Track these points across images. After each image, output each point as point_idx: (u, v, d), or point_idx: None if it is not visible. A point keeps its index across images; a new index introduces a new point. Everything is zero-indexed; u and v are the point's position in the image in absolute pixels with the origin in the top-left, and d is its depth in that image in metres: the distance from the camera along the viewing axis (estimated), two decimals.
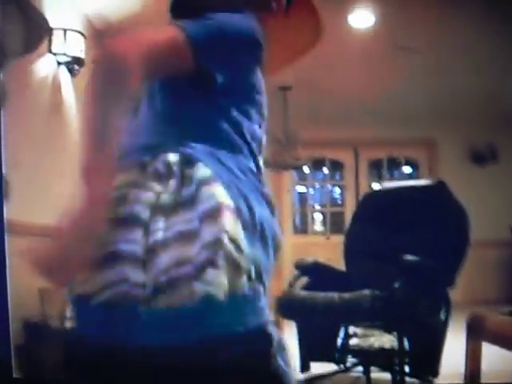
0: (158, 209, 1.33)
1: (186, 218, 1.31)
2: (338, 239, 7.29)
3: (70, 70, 4.64)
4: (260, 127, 1.52)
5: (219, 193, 1.32)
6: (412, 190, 4.13)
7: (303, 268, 3.70)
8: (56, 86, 4.53)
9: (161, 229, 1.30)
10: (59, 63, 4.54)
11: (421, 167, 8.58)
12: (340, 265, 4.15)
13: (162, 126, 1.48)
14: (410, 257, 3.53)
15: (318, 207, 8.94)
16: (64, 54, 4.49)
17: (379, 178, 8.59)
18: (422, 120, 7.72)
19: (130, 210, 1.34)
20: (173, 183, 1.35)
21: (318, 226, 8.72)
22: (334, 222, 8.50)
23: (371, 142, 8.21)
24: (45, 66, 4.38)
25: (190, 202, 1.32)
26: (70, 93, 4.71)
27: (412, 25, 5.26)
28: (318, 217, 8.76)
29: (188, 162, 1.37)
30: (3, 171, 3.43)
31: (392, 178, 8.75)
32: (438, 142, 8.35)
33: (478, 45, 5.52)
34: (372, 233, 3.95)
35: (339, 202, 8.95)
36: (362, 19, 5.34)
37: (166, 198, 1.34)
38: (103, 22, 5.17)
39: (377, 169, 8.69)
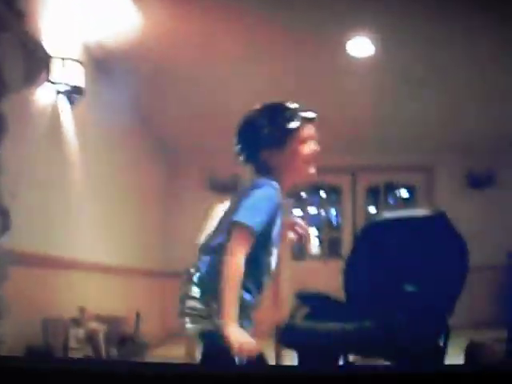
0: None
1: None
2: (335, 264, 7.31)
3: (70, 99, 4.66)
4: None
5: None
6: (412, 221, 4.16)
7: (304, 298, 3.72)
8: (55, 116, 4.56)
9: None
10: (58, 92, 4.54)
11: (418, 192, 8.61)
12: (337, 289, 4.17)
13: None
14: (410, 288, 3.57)
15: (315, 232, 8.95)
16: (63, 83, 4.49)
17: (376, 204, 8.62)
18: (420, 145, 7.77)
19: None
20: None
21: (315, 250, 8.73)
22: (331, 247, 8.51)
23: (369, 167, 8.25)
24: (44, 96, 4.39)
25: None
26: (70, 122, 4.74)
27: (412, 54, 5.31)
28: (315, 241, 8.77)
29: None
30: (3, 202, 3.47)
31: (389, 203, 8.78)
32: (435, 166, 8.39)
33: (478, 71, 5.57)
34: (372, 263, 3.98)
35: (336, 226, 8.95)
36: (361, 47, 5.34)
37: None
38: (102, 50, 5.20)
39: (374, 194, 8.72)
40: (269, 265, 2.22)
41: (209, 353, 2.23)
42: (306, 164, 2.25)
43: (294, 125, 2.21)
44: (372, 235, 4.02)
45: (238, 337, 1.97)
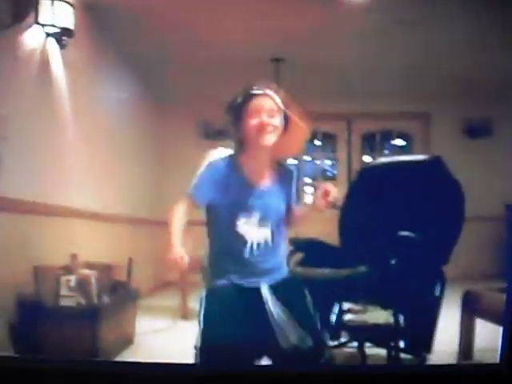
0: None
1: None
2: (330, 213, 7.24)
3: (59, 42, 4.51)
4: None
5: None
6: (408, 165, 4.09)
7: (298, 244, 3.67)
8: (44, 58, 4.42)
9: None
10: (47, 35, 4.40)
11: (414, 140, 8.54)
12: (332, 239, 4.13)
13: None
14: (404, 233, 3.52)
15: (309, 180, 8.88)
16: (52, 25, 4.34)
17: (372, 151, 8.56)
18: (416, 93, 7.66)
19: None
20: None
21: (309, 200, 8.66)
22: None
23: (365, 114, 8.16)
24: (32, 38, 4.25)
25: None
26: (59, 65, 4.61)
27: None
28: (309, 190, 8.71)
29: None
30: None
31: (385, 151, 8.71)
32: (431, 115, 8.30)
33: (475, 18, 5.46)
34: (367, 208, 3.92)
35: (331, 175, 8.89)
36: None
37: None
38: None
39: (370, 142, 8.65)
40: (237, 229, 2.57)
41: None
42: (257, 134, 2.51)
43: (240, 100, 2.54)
44: (367, 179, 3.96)
45: (175, 251, 2.59)
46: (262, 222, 2.57)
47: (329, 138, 8.61)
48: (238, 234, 2.55)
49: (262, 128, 2.50)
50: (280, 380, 2.45)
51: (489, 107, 7.79)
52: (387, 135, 8.66)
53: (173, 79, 7.12)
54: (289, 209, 2.69)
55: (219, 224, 2.61)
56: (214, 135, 7.52)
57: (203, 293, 2.67)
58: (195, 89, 7.31)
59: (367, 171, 4.22)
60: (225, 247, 2.60)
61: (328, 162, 8.90)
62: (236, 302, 2.52)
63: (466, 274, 6.49)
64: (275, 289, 2.57)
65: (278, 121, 2.55)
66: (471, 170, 6.89)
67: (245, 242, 2.55)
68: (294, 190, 2.72)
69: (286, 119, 2.58)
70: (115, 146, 6.29)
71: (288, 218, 2.70)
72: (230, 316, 2.48)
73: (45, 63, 4.42)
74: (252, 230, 2.55)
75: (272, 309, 2.52)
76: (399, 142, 8.74)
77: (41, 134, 4.30)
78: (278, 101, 2.55)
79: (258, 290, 2.54)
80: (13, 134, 3.72)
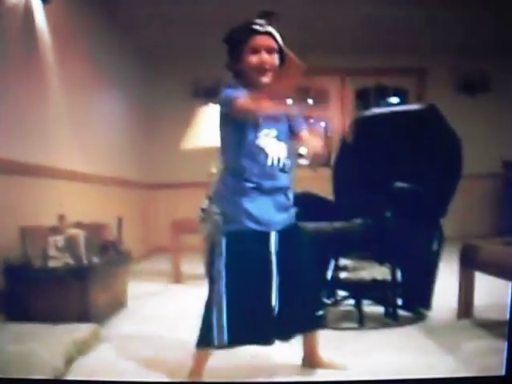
0: None
1: None
2: (325, 172, 7.18)
3: None
4: None
5: None
6: (402, 114, 3.99)
7: (294, 198, 3.60)
8: (28, 15, 4.27)
9: None
10: None
11: (409, 97, 8.44)
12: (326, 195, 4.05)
13: None
14: (400, 184, 3.43)
15: None
16: None
17: (366, 108, 8.45)
18: (412, 48, 7.53)
19: None
20: None
21: (303, 160, 8.57)
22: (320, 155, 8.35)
23: (359, 70, 8.04)
24: None
25: None
26: (43, 21, 4.47)
27: None
28: (303, 150, 8.59)
29: None
30: None
31: (379, 107, 8.61)
32: (427, 70, 8.18)
33: None
34: (361, 160, 3.84)
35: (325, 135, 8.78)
36: None
37: None
38: None
39: (364, 98, 8.54)
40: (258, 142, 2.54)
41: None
42: (257, 73, 2.52)
43: (241, 37, 2.51)
44: (360, 129, 3.85)
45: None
46: (279, 138, 2.59)
47: (321, 96, 8.49)
48: (258, 147, 2.53)
49: (261, 66, 2.51)
50: None
51: (486, 62, 7.68)
52: (382, 92, 8.54)
53: (162, 38, 7.02)
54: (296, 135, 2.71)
55: (239, 139, 2.53)
56: (203, 93, 7.43)
57: (220, 241, 2.52)
58: (184, 47, 7.21)
59: (360, 122, 4.11)
60: (244, 164, 2.53)
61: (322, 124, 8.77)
62: (249, 248, 2.51)
63: (463, 233, 6.44)
64: (284, 236, 2.57)
65: (275, 59, 2.54)
66: (468, 127, 6.77)
67: (266, 155, 2.54)
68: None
69: (283, 57, 2.57)
70: (104, 107, 6.21)
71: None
72: (250, 264, 2.50)
73: (28, 20, 4.27)
74: (272, 144, 2.56)
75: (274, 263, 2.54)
76: (394, 99, 8.64)
77: (27, 94, 4.20)
78: (279, 39, 2.54)
79: (268, 236, 2.54)
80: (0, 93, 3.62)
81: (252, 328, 2.50)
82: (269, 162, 2.53)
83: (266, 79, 2.53)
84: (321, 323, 2.77)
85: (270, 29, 2.51)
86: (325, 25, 6.65)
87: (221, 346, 2.48)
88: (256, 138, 2.52)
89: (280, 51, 2.55)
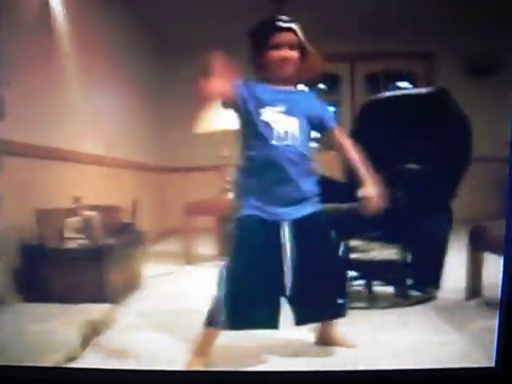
0: None
1: None
2: (334, 155, 7.19)
3: None
4: None
5: None
6: (413, 97, 4.02)
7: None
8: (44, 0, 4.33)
9: None
10: None
11: (419, 81, 8.43)
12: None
13: None
14: (411, 165, 3.47)
15: None
16: None
17: (376, 92, 8.45)
18: (421, 32, 7.52)
19: None
20: None
21: (312, 143, 8.55)
22: (330, 139, 8.36)
23: (368, 54, 8.04)
24: None
25: None
26: (59, 8, 4.53)
27: None
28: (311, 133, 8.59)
29: None
30: None
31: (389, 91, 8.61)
32: (436, 54, 8.17)
33: None
34: (372, 142, 3.86)
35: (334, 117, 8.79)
36: None
37: None
38: None
39: (373, 83, 8.54)
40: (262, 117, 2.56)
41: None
42: (279, 67, 2.59)
43: (265, 33, 2.56)
44: (371, 113, 3.89)
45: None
46: (288, 112, 2.60)
47: (332, 81, 8.50)
48: (264, 122, 2.56)
49: (283, 61, 2.57)
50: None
51: (494, 45, 7.65)
52: (391, 77, 8.54)
53: (174, 19, 7.02)
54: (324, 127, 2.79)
55: (245, 118, 2.59)
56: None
57: (232, 225, 2.60)
58: (196, 31, 7.22)
59: (371, 104, 4.14)
60: (253, 142, 2.58)
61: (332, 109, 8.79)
62: (259, 235, 2.55)
63: (472, 214, 6.45)
64: (298, 225, 2.60)
65: (297, 53, 2.60)
66: (477, 110, 6.77)
67: (271, 129, 2.56)
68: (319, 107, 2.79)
69: (304, 51, 2.62)
70: (120, 91, 6.24)
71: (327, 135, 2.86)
72: (259, 249, 2.54)
73: (46, 5, 4.33)
74: (277, 118, 2.57)
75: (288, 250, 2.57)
76: (404, 84, 8.63)
77: (44, 79, 4.25)
78: (300, 34, 2.59)
79: (278, 226, 2.57)
80: (16, 77, 3.65)
81: (258, 313, 2.53)
82: (275, 137, 2.55)
83: (287, 73, 2.60)
84: (340, 312, 2.76)
85: (292, 25, 2.56)
86: (334, 10, 6.64)
87: (226, 328, 2.53)
88: (260, 113, 2.55)
89: (301, 46, 2.60)
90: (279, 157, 2.55)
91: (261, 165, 2.55)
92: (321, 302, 2.66)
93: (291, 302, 2.60)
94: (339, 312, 2.75)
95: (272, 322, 2.56)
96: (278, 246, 2.55)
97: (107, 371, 2.36)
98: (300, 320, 2.66)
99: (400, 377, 2.24)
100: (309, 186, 2.67)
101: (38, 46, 4.20)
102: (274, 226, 2.56)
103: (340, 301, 2.72)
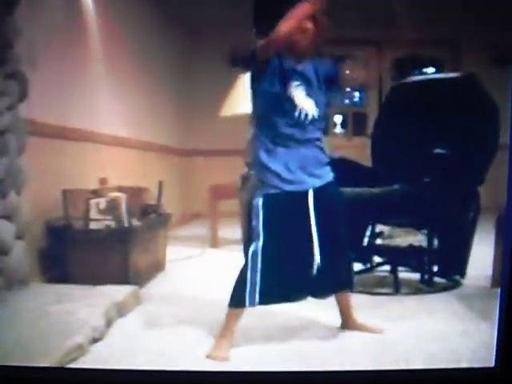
0: None
1: None
2: (360, 141, 7.15)
3: None
4: None
5: None
6: (442, 82, 3.97)
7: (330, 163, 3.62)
8: None
9: None
10: None
11: (445, 67, 8.35)
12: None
13: None
14: (439, 150, 3.43)
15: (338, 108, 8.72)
16: None
17: (403, 78, 8.37)
18: (447, 19, 7.43)
19: None
20: None
21: (338, 129, 8.53)
22: (356, 124, 8.33)
23: (395, 40, 7.97)
24: None
25: None
26: None
27: None
28: (338, 119, 8.55)
29: None
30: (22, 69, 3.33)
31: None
32: (462, 41, 8.08)
33: None
34: (400, 126, 3.83)
35: (360, 104, 8.73)
36: None
37: None
38: None
39: (400, 68, 8.46)
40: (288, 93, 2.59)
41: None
42: (298, 38, 2.58)
43: (286, 5, 2.49)
44: (399, 98, 3.85)
45: None
46: (307, 93, 2.63)
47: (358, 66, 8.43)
48: (288, 98, 2.58)
49: (302, 32, 2.58)
50: None
51: None
52: (418, 62, 8.46)
53: (199, 7, 7.00)
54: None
55: (269, 92, 2.58)
56: (240, 62, 7.40)
57: (257, 203, 2.60)
58: (222, 18, 7.19)
59: (398, 90, 4.11)
60: (274, 119, 2.59)
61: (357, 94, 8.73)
62: (287, 208, 2.59)
63: (500, 202, 6.39)
64: (321, 194, 2.63)
65: (311, 24, 2.60)
66: (503, 98, 6.69)
67: (295, 106, 2.58)
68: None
69: (317, 22, 2.62)
70: (145, 74, 6.24)
71: None
72: (288, 223, 2.58)
73: None
74: (301, 96, 2.60)
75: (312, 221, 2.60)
76: (430, 70, 8.55)
77: (70, 61, 4.25)
78: (318, 7, 2.56)
79: (305, 195, 2.60)
80: (42, 60, 3.65)
81: (287, 286, 2.58)
82: (297, 113, 2.57)
83: (305, 43, 2.61)
84: (352, 284, 2.85)
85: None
86: None
87: (253, 305, 2.54)
88: (285, 89, 2.57)
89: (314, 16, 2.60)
90: (303, 124, 2.60)
91: (286, 135, 2.59)
92: (338, 272, 2.73)
93: (317, 272, 2.61)
94: (352, 283, 2.84)
95: (302, 295, 2.67)
96: (307, 216, 2.59)
97: (108, 371, 2.35)
98: (319, 293, 2.73)
99: (400, 377, 2.22)
100: (326, 150, 2.72)
101: (64, 28, 4.18)
102: (301, 197, 2.59)
103: (352, 272, 2.86)
